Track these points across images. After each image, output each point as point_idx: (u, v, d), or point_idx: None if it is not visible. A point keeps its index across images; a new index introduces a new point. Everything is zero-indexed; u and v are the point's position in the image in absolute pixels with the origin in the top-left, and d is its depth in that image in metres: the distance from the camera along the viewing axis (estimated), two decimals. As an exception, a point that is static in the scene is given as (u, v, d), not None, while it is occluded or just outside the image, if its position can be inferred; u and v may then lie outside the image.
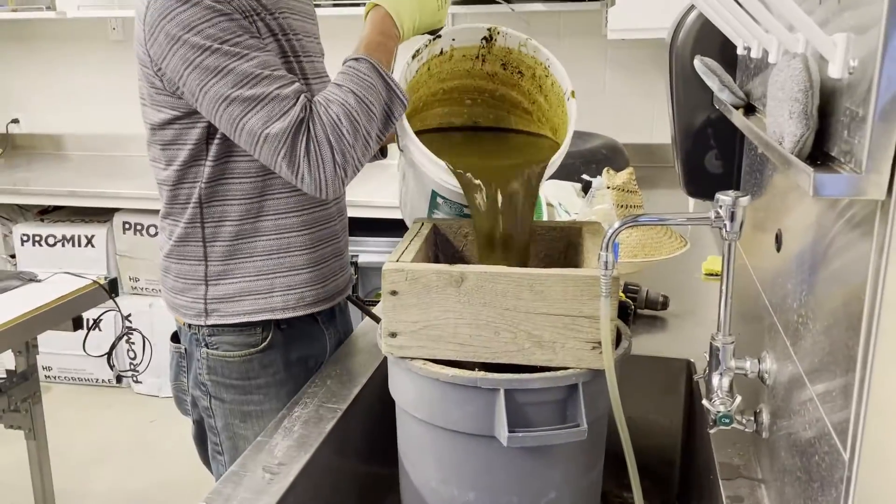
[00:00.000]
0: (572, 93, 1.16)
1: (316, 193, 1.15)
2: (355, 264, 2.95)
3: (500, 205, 1.09)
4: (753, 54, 0.90)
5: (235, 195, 1.28)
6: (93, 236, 3.35)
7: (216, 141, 1.25)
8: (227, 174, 1.27)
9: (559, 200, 1.79)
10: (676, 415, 1.37)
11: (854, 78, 0.59)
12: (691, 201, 2.04)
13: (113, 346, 1.99)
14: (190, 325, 1.35)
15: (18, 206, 3.53)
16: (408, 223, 1.30)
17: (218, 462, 1.41)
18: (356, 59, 1.16)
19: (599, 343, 0.92)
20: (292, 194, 1.30)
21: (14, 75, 3.84)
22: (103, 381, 3.47)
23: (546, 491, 0.97)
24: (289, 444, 1.09)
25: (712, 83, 0.96)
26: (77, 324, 2.05)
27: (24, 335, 1.90)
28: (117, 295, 2.08)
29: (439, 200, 1.19)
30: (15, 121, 3.89)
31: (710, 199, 0.90)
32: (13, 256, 3.45)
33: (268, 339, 1.34)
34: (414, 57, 1.17)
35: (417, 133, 1.15)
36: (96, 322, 2.15)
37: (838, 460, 0.64)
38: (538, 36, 1.22)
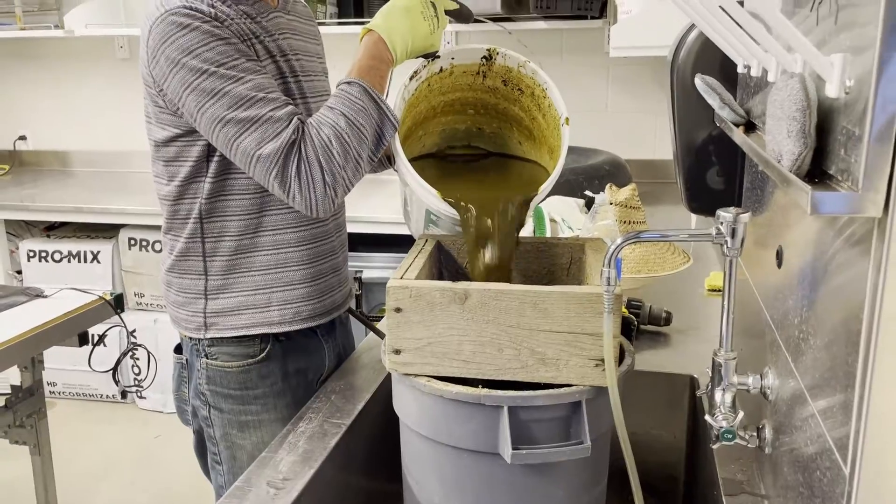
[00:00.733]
0: (566, 119, 1.17)
1: (307, 212, 1.18)
2: (359, 280, 2.96)
3: (483, 231, 1.11)
4: (753, 73, 0.91)
5: (235, 211, 1.30)
6: (98, 252, 3.37)
7: (216, 158, 1.27)
8: (227, 190, 1.30)
9: (562, 216, 1.79)
10: (680, 430, 1.37)
11: (851, 97, 0.60)
12: (693, 217, 2.04)
13: (118, 362, 1.99)
14: (191, 337, 1.37)
15: (25, 222, 3.55)
16: (410, 231, 1.31)
17: (217, 472, 1.42)
18: (348, 83, 1.19)
19: (602, 360, 0.93)
20: (290, 211, 1.32)
21: (22, 92, 3.87)
22: (108, 396, 3.48)
23: (549, 507, 0.97)
24: (293, 460, 1.10)
25: (713, 101, 0.97)
26: (82, 339, 2.06)
27: (30, 351, 1.90)
28: (122, 311, 2.08)
29: (433, 217, 1.20)
30: (22, 137, 3.92)
31: (712, 216, 0.90)
32: (19, 272, 3.46)
33: (266, 351, 1.36)
34: (412, 77, 1.19)
35: (418, 154, 1.16)
36: (101, 338, 2.16)
37: (839, 475, 0.64)
38: (540, 54, 1.24)
